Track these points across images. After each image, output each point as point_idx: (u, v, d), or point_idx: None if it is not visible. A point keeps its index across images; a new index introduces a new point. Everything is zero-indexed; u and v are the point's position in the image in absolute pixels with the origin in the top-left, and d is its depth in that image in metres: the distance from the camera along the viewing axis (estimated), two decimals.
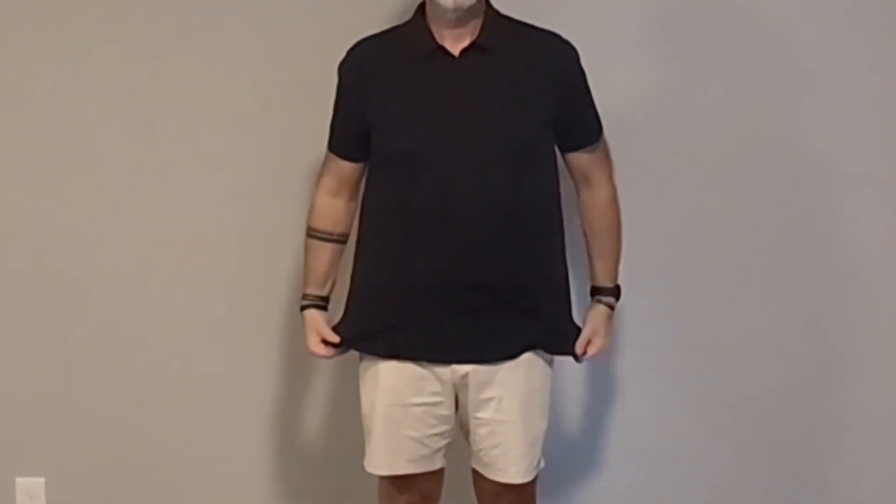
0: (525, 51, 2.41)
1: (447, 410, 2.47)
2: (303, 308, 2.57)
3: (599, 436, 2.98)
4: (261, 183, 2.92)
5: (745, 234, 2.87)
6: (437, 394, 2.45)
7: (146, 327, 2.98)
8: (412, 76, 2.39)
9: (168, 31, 2.86)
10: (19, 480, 3.02)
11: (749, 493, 2.97)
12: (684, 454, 2.97)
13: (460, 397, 2.46)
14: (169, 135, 2.90)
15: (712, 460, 2.96)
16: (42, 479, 3.02)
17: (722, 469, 2.97)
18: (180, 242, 2.95)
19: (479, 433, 2.46)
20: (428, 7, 2.39)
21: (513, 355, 2.43)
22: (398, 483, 2.52)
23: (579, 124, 2.48)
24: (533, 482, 2.52)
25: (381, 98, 2.40)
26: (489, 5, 2.42)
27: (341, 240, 2.57)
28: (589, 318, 2.54)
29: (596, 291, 2.57)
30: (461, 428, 2.52)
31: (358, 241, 2.51)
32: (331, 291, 2.58)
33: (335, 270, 2.58)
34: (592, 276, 2.57)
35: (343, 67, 2.48)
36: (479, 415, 2.44)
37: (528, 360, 2.44)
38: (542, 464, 2.52)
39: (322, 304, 2.57)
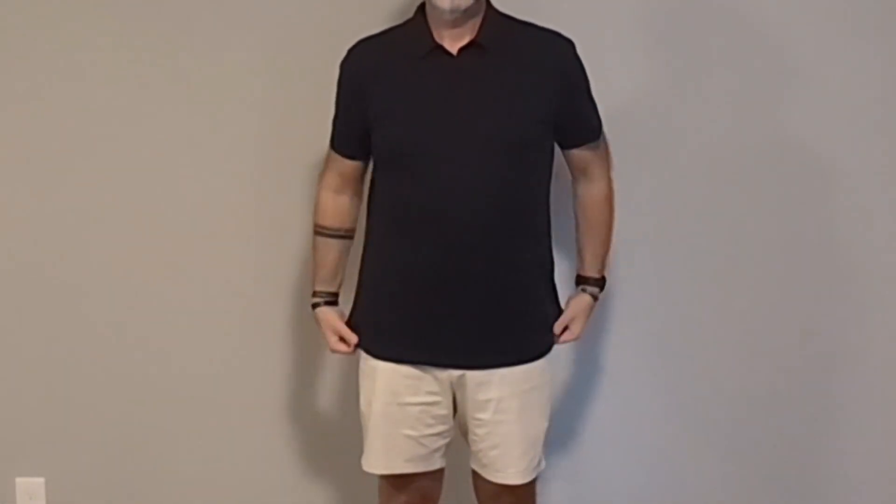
0: (524, 49, 2.41)
1: (445, 410, 2.47)
2: (314, 305, 2.57)
3: (593, 433, 2.98)
4: (264, 180, 2.91)
5: (742, 231, 2.86)
6: (434, 393, 2.45)
7: (146, 327, 2.97)
8: (411, 75, 2.39)
9: (169, 29, 2.86)
10: (19, 480, 3.02)
11: (743, 491, 2.97)
12: (680, 452, 2.96)
13: (458, 397, 2.46)
14: (171, 132, 2.90)
15: (705, 457, 2.96)
16: (42, 479, 3.02)
17: (715, 466, 2.97)
18: (180, 241, 2.95)
19: (478, 433, 2.45)
20: (427, 7, 2.40)
21: (510, 362, 2.44)
22: (397, 482, 2.52)
23: (580, 121, 2.48)
24: (533, 483, 2.51)
25: (380, 97, 2.40)
26: (489, 4, 2.42)
27: (348, 235, 2.59)
28: (571, 304, 2.56)
29: (582, 281, 2.59)
30: (460, 428, 2.52)
31: (365, 239, 2.52)
32: (340, 287, 2.59)
33: (344, 266, 2.59)
34: (581, 266, 2.59)
35: (344, 66, 2.48)
36: (478, 415, 2.44)
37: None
38: (543, 464, 2.52)
39: (333, 300, 2.58)
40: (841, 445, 2.93)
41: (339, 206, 2.57)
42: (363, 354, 2.51)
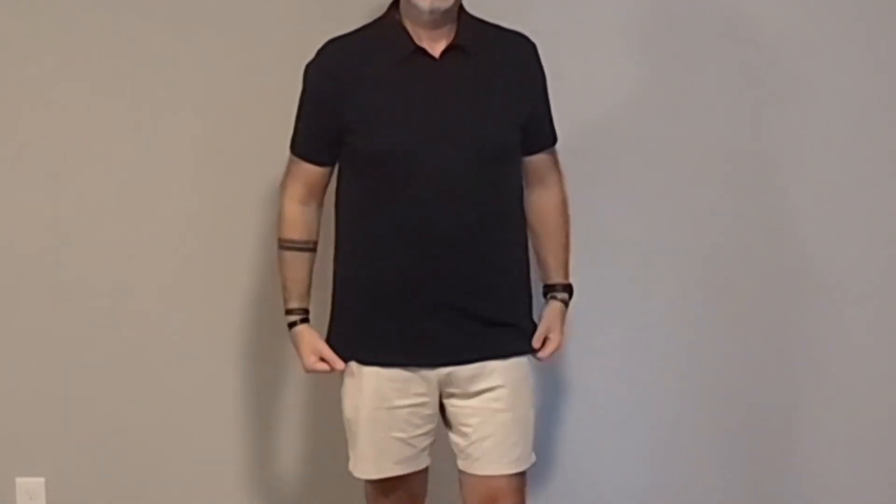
0: (498, 52, 2.40)
1: (432, 410, 2.45)
2: (292, 324, 2.50)
3: (584, 436, 2.98)
4: (265, 181, 2.90)
5: (733, 234, 2.87)
6: (422, 394, 2.42)
7: (146, 327, 2.98)
8: (392, 77, 2.35)
9: (162, 31, 2.87)
10: (19, 480, 3.03)
11: (732, 489, 2.96)
12: (673, 454, 2.96)
13: (446, 392, 2.44)
14: (154, 139, 2.91)
15: (699, 460, 2.96)
16: (42, 479, 3.03)
17: (708, 469, 2.96)
18: (180, 242, 2.95)
19: (471, 424, 2.43)
20: (403, 7, 2.36)
21: (501, 354, 2.42)
22: (385, 485, 2.49)
23: (543, 126, 2.48)
24: (523, 486, 2.48)
25: (360, 99, 2.35)
26: (461, 6, 2.38)
27: (315, 248, 2.52)
28: (545, 315, 2.53)
29: (550, 289, 2.55)
30: (447, 426, 2.49)
31: (336, 248, 2.47)
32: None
33: (310, 280, 2.53)
34: (546, 274, 2.56)
35: (312, 68, 2.41)
36: (472, 403, 2.42)
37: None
38: (534, 458, 2.49)
39: (307, 316, 2.51)
40: (829, 448, 2.92)
41: (307, 218, 2.48)
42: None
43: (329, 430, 2.94)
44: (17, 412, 3.01)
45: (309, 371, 2.47)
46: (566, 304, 2.55)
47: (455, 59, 2.35)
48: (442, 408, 2.47)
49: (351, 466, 2.50)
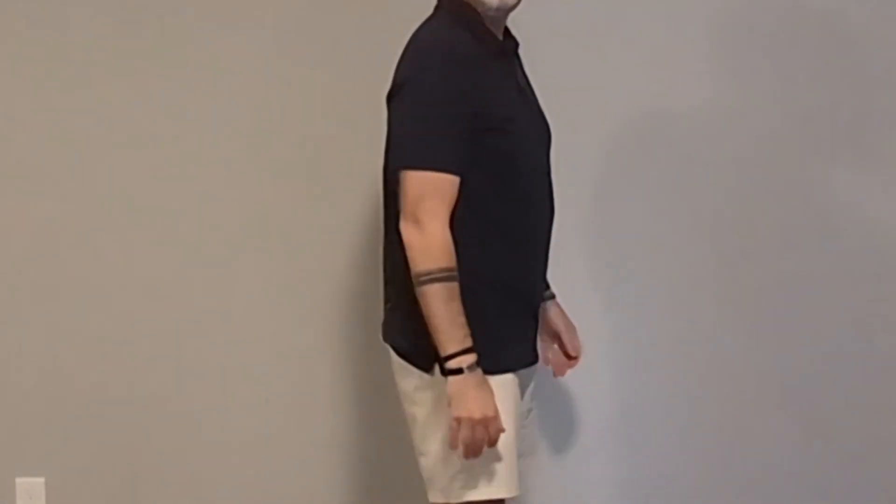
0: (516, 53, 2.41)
1: None
2: (467, 368, 2.14)
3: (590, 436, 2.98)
4: (265, 182, 2.93)
5: (758, 241, 2.89)
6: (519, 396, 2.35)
7: (146, 327, 2.98)
8: (497, 73, 2.26)
9: (178, 31, 2.89)
10: (19, 480, 3.02)
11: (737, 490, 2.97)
12: (675, 453, 2.96)
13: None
14: (176, 136, 2.93)
15: (704, 459, 2.96)
16: (42, 479, 3.02)
17: (713, 468, 2.96)
18: (181, 243, 2.96)
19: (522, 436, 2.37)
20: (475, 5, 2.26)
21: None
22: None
23: None
24: None
25: (493, 96, 2.22)
26: None
27: None
28: (563, 317, 2.52)
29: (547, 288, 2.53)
30: None
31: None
32: None
33: None
34: None
35: (458, 68, 2.16)
36: (526, 420, 2.40)
37: None
38: None
39: None
40: (838, 448, 2.92)
41: (451, 242, 2.17)
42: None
43: (335, 428, 2.99)
44: (17, 412, 3.01)
45: (501, 431, 2.18)
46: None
47: (512, 55, 2.35)
48: None
49: (494, 488, 2.24)
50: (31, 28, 2.90)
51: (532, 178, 2.30)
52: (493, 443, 2.16)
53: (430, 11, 2.32)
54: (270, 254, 2.93)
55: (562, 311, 2.52)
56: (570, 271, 2.79)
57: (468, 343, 2.14)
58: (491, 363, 2.19)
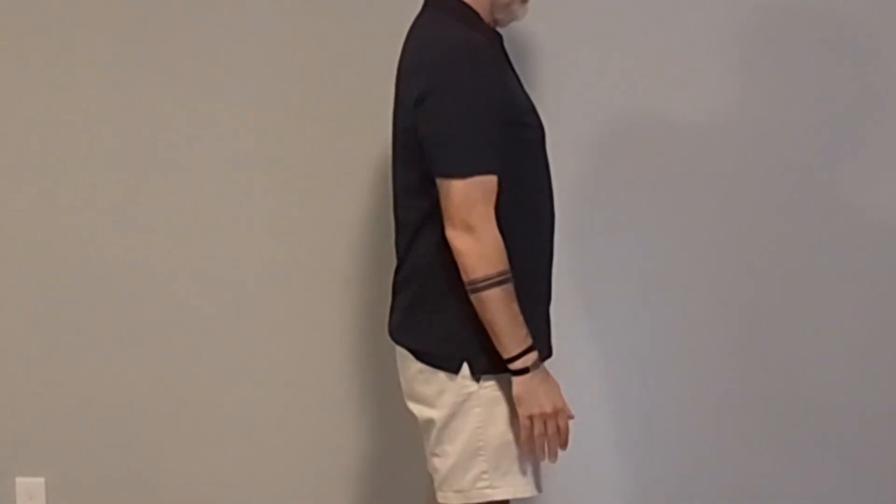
0: None
1: None
2: (536, 365, 2.18)
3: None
4: (266, 183, 2.93)
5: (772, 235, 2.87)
6: None
7: (147, 327, 2.98)
8: (505, 68, 2.29)
9: (186, 28, 2.89)
10: (19, 480, 3.03)
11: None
12: (674, 453, 2.95)
13: None
14: (183, 133, 2.93)
15: (701, 459, 2.95)
16: (42, 479, 3.02)
17: (711, 468, 2.96)
18: (181, 243, 2.96)
19: None
20: (486, 7, 2.28)
21: None
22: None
23: None
24: None
25: (512, 87, 2.24)
26: None
27: None
28: None
29: None
30: None
31: None
32: None
33: None
34: None
35: (477, 66, 2.15)
36: None
37: None
38: None
39: None
40: (836, 446, 2.91)
41: None
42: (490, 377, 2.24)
43: (336, 429, 2.99)
44: (17, 412, 3.01)
45: (571, 418, 2.23)
46: None
47: (503, 51, 2.36)
48: None
49: (518, 490, 2.25)
50: (33, 27, 2.91)
51: (545, 169, 2.32)
52: (564, 434, 2.21)
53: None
54: (272, 253, 2.93)
55: None
56: (571, 271, 2.81)
57: (530, 341, 2.16)
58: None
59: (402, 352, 2.34)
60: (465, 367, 2.21)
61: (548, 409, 2.18)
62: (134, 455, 3.02)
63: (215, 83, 2.90)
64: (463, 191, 2.11)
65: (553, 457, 2.22)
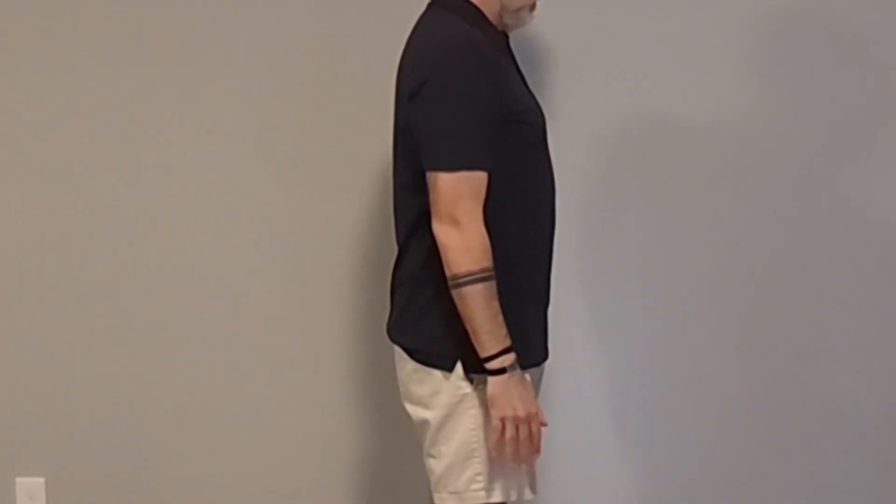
0: None
1: None
2: (514, 367, 2.15)
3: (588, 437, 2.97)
4: (268, 183, 2.93)
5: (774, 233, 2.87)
6: None
7: (147, 327, 2.97)
8: (507, 66, 2.28)
9: (191, 29, 2.89)
10: (19, 480, 3.02)
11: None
12: (674, 454, 2.95)
13: None
14: (185, 135, 2.93)
15: (700, 460, 2.95)
16: (42, 479, 3.02)
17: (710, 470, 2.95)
18: (183, 243, 2.95)
19: None
20: (494, 9, 2.29)
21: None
22: None
23: None
24: None
25: (511, 87, 2.24)
26: None
27: None
28: None
29: None
30: None
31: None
32: None
33: None
34: None
35: (473, 63, 2.14)
36: None
37: None
38: None
39: None
40: (839, 447, 2.91)
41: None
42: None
43: (336, 429, 2.99)
44: (16, 412, 3.01)
45: (544, 425, 2.19)
46: None
47: (509, 51, 2.36)
48: None
49: (513, 493, 2.24)
50: (32, 26, 2.90)
51: (545, 168, 2.32)
52: (536, 440, 2.17)
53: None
54: (273, 253, 2.93)
55: None
56: (574, 272, 2.80)
57: (508, 342, 2.13)
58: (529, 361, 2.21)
59: (398, 351, 2.34)
60: (459, 367, 2.21)
61: (521, 412, 2.14)
62: (134, 455, 3.01)
63: (216, 83, 2.89)
64: (450, 184, 2.11)
65: (524, 462, 2.19)
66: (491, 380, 2.14)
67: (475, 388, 2.20)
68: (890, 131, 2.82)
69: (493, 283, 2.11)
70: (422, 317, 2.26)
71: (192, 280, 2.96)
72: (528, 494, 2.26)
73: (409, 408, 2.33)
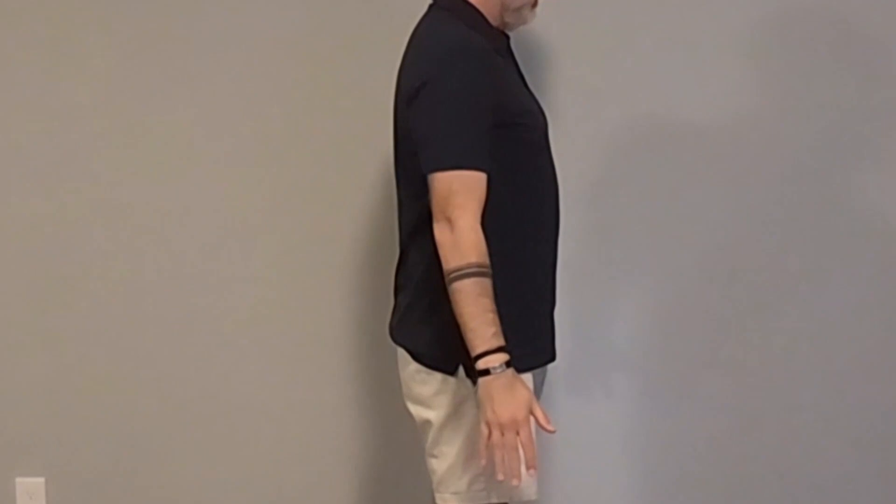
0: None
1: None
2: (508, 365, 2.07)
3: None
4: (270, 184, 2.92)
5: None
6: None
7: (147, 327, 2.97)
8: (506, 68, 2.28)
9: (196, 29, 2.88)
10: (19, 480, 3.02)
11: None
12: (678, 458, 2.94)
13: None
14: (189, 136, 2.92)
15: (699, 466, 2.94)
16: (42, 479, 3.02)
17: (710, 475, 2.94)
18: (183, 243, 2.95)
19: None
20: (488, 7, 2.28)
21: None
22: None
23: None
24: None
25: (511, 89, 2.25)
26: None
27: None
28: None
29: None
30: None
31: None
32: None
33: None
34: None
35: (470, 65, 2.14)
36: None
37: None
38: None
39: None
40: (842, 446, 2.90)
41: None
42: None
43: (337, 429, 2.99)
44: (17, 412, 3.01)
45: (549, 430, 2.11)
46: None
47: (508, 51, 2.36)
48: None
49: (513, 494, 2.20)
50: (32, 25, 2.90)
51: (548, 170, 2.32)
52: (526, 448, 2.05)
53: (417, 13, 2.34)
54: (274, 254, 2.93)
55: None
56: (580, 273, 2.80)
57: (497, 342, 2.06)
58: (515, 361, 2.11)
59: (401, 352, 2.34)
60: (461, 369, 2.20)
61: (503, 417, 2.05)
62: (134, 455, 3.01)
63: (217, 84, 2.89)
64: (444, 184, 2.10)
65: (512, 476, 2.06)
66: (478, 381, 2.08)
67: (477, 389, 2.16)
68: (891, 132, 2.82)
69: (482, 281, 2.06)
70: (424, 320, 2.25)
71: (193, 281, 2.95)
72: (530, 497, 2.22)
73: (412, 407, 2.33)
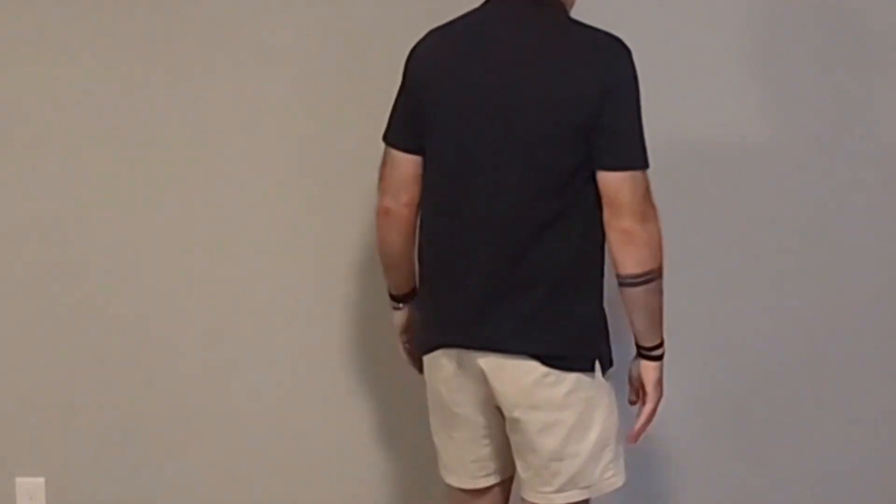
0: None
1: None
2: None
3: None
4: (271, 184, 2.92)
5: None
6: None
7: (147, 327, 2.97)
8: None
9: (208, 31, 2.88)
10: (19, 480, 3.02)
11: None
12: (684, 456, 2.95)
13: None
14: (202, 134, 2.92)
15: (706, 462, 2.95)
16: (42, 479, 3.02)
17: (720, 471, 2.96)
18: (183, 243, 2.95)
19: None
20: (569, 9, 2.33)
21: None
22: None
23: None
24: None
25: None
26: None
27: None
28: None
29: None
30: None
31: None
32: None
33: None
34: None
35: None
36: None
37: None
38: None
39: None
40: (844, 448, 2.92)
41: None
42: None
43: (337, 430, 2.99)
44: (17, 412, 3.00)
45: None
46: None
47: None
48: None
49: (623, 473, 2.37)
50: (31, 24, 2.89)
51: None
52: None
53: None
54: (276, 255, 2.93)
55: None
56: None
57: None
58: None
59: (512, 363, 2.24)
60: (597, 364, 2.28)
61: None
62: (134, 455, 3.01)
63: (221, 85, 2.89)
64: (642, 182, 2.19)
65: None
66: (654, 365, 2.32)
67: (607, 379, 2.30)
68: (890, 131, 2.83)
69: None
70: (567, 318, 2.24)
71: (193, 281, 2.95)
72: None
73: (531, 414, 2.24)
